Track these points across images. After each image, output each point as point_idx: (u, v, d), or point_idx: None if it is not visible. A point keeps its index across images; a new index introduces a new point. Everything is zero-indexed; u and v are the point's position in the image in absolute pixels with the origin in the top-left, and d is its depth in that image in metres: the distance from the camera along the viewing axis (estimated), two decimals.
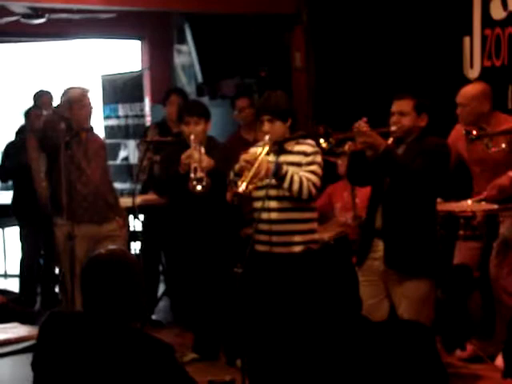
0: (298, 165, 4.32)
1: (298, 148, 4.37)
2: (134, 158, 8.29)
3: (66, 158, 4.81)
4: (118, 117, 9.05)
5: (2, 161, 6.85)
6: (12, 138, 6.95)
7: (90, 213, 5.01)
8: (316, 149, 4.32)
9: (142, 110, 8.73)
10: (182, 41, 8.48)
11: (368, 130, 3.94)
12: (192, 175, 4.64)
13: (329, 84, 6.96)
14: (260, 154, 4.20)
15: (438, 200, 4.96)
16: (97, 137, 5.35)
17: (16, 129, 7.01)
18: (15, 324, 3.60)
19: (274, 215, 4.37)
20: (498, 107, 5.05)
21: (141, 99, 8.77)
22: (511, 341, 3.12)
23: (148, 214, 6.07)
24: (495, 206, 4.67)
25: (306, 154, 4.34)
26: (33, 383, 2.59)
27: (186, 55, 8.46)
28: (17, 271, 7.00)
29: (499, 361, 4.80)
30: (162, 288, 6.53)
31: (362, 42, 6.60)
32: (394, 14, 6.33)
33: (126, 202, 5.57)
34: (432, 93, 5.59)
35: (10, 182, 7.06)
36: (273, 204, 4.37)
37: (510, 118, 4.80)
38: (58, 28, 8.26)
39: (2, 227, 8.17)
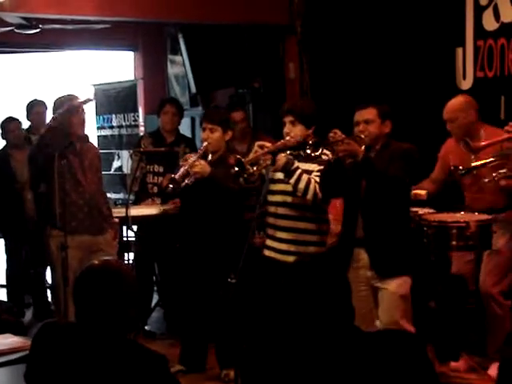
0: (311, 173, 4.33)
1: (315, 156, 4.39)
2: (127, 168, 8.28)
3: (61, 168, 4.80)
4: (111, 127, 9.06)
5: None
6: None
7: (85, 224, 4.99)
8: None
9: (136, 120, 8.74)
10: (176, 51, 8.48)
11: (345, 137, 4.02)
12: (173, 175, 4.67)
13: (322, 94, 6.97)
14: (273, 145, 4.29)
15: (431, 211, 5.01)
16: (92, 146, 5.34)
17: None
18: (8, 335, 3.59)
19: (282, 222, 4.40)
20: (491, 118, 5.07)
21: (134, 109, 8.77)
22: (506, 354, 3.13)
23: (141, 225, 6.06)
24: (488, 217, 4.69)
25: (321, 162, 4.35)
26: None
27: (179, 65, 8.47)
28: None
29: (492, 371, 4.82)
30: (155, 299, 6.52)
31: (355, 53, 6.61)
32: (387, 24, 6.36)
33: (119, 212, 5.56)
34: (425, 104, 5.63)
35: None
36: (284, 211, 4.40)
37: (498, 131, 4.80)
38: (52, 39, 8.26)
39: None
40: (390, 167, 4.04)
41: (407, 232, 4.30)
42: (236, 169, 4.20)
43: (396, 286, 4.17)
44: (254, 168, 4.21)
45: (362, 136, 4.12)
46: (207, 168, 4.76)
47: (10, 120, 6.70)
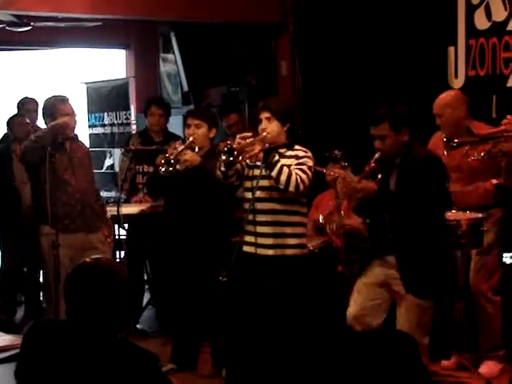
0: (289, 167, 4.33)
1: (290, 153, 4.40)
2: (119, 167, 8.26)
3: (51, 167, 4.78)
4: (103, 125, 9.04)
5: None
6: None
7: (78, 222, 4.97)
8: (308, 154, 4.39)
9: (128, 118, 8.72)
10: (168, 49, 8.48)
11: (356, 184, 4.03)
12: (167, 155, 4.70)
13: (314, 93, 6.98)
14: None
15: None
16: (81, 145, 5.32)
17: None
18: None
19: (262, 217, 4.39)
20: (483, 117, 5.08)
21: (126, 108, 8.76)
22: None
23: (132, 223, 6.05)
24: (479, 215, 4.70)
25: (297, 157, 4.37)
26: None
27: (171, 64, 8.46)
28: None
29: (483, 368, 4.84)
30: (146, 297, 6.51)
31: (347, 52, 6.62)
32: (379, 23, 6.36)
33: (111, 210, 5.55)
34: (417, 103, 5.63)
35: None
36: (263, 206, 4.39)
37: (486, 126, 4.83)
38: (44, 36, 8.24)
39: None
40: (411, 184, 3.99)
41: (436, 252, 4.11)
42: (223, 157, 4.21)
43: (415, 301, 4.07)
44: (240, 158, 4.24)
45: (376, 155, 4.08)
46: (197, 157, 4.78)
47: (17, 115, 6.69)
